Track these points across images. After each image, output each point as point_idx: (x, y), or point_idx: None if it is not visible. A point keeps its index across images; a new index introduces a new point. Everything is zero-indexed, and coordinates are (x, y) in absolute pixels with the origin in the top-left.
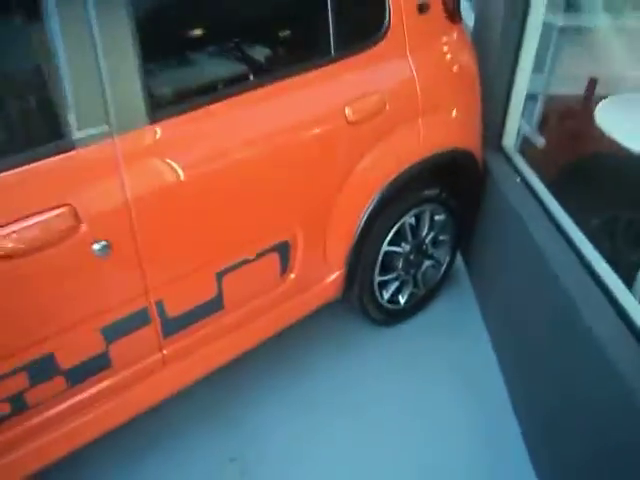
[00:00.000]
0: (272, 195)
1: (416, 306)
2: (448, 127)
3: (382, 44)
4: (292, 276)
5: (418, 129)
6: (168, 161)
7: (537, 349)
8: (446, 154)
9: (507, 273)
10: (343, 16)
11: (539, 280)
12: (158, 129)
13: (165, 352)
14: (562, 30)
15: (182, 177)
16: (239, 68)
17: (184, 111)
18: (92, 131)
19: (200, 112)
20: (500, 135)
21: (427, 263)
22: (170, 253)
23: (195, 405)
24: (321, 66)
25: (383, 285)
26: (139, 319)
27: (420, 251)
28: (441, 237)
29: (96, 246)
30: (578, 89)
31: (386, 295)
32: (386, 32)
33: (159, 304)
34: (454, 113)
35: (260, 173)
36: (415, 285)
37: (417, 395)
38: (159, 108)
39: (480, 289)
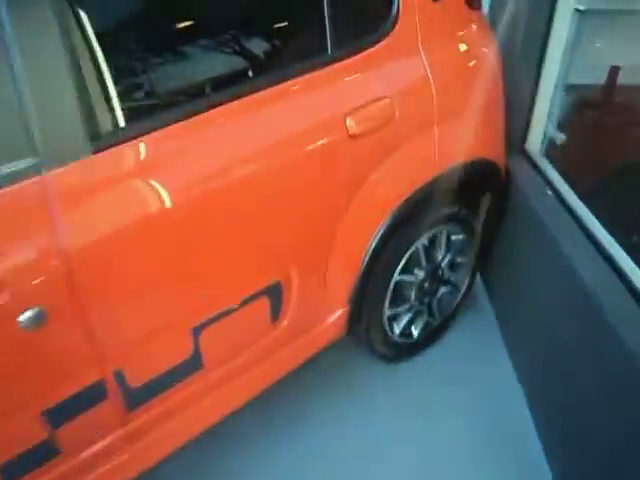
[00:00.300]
0: (260, 229)
1: (431, 337)
2: (469, 134)
3: (390, 39)
4: (285, 322)
5: (434, 139)
6: (120, 198)
7: (571, 382)
8: (467, 167)
9: (535, 298)
10: (342, 6)
11: (573, 305)
12: (104, 159)
13: (131, 426)
14: (584, 13)
15: (140, 216)
16: (207, 76)
17: (137, 135)
18: (12, 167)
19: (161, 134)
20: (524, 136)
21: (443, 289)
22: (129, 312)
23: (180, 471)
24: (315, 69)
25: (393, 318)
26: (92, 396)
27: (435, 277)
28: (459, 259)
29: (26, 314)
30: (600, 78)
31: (397, 329)
32: (394, 24)
33: (118, 374)
34: (475, 116)
35: (244, 204)
36: (430, 314)
37: (434, 440)
38: (104, 133)
39: (503, 315)
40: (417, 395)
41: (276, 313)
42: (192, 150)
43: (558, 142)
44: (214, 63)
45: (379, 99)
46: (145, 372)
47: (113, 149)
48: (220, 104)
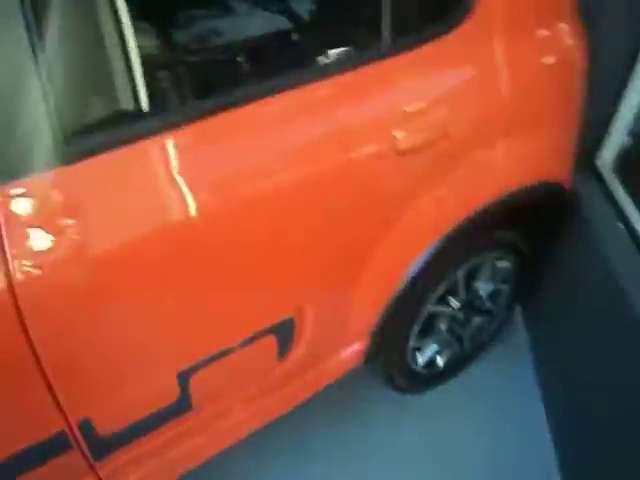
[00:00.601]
0: (276, 255)
1: (457, 367)
2: (538, 151)
3: (461, 30)
4: (294, 358)
5: (496, 156)
6: (96, 220)
7: (613, 433)
8: (530, 189)
9: (589, 350)
10: None
11: (631, 357)
12: (80, 171)
13: (100, 474)
14: None
15: (120, 238)
16: (223, 69)
17: (128, 140)
18: None
19: (158, 139)
20: (595, 148)
21: (478, 319)
22: (97, 357)
23: None
24: (361, 65)
25: (418, 348)
26: (49, 449)
27: (472, 307)
28: (501, 287)
29: None
30: None
31: (421, 360)
32: (470, 10)
33: (85, 423)
34: (548, 129)
35: (258, 224)
36: (460, 343)
37: None
38: (83, 137)
39: (540, 348)
40: (433, 432)
41: (284, 351)
42: (201, 160)
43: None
44: (241, 51)
45: (438, 105)
46: (118, 419)
47: (92, 158)
48: (257, 99)
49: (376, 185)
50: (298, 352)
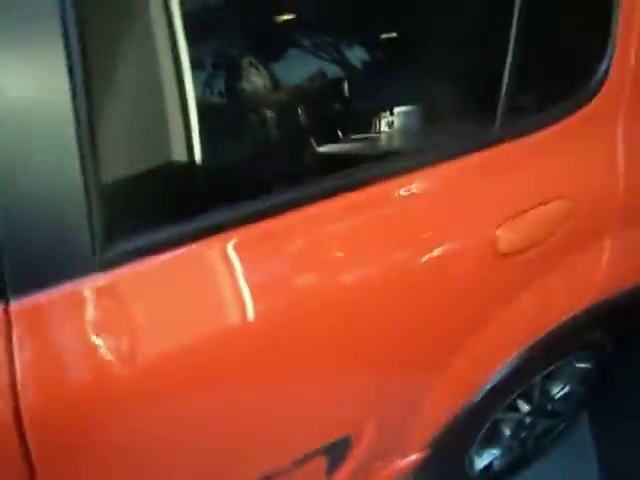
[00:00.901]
0: (343, 367)
1: (515, 468)
2: None
3: (586, 111)
4: (342, 472)
5: (602, 256)
6: (122, 338)
7: None
8: (635, 292)
9: None
10: (531, 61)
11: None
12: (115, 281)
13: None
14: None
15: (160, 360)
16: (303, 160)
17: (178, 241)
18: None
19: (209, 244)
20: None
21: (544, 422)
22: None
23: None
24: (468, 151)
25: (476, 453)
26: None
27: (541, 410)
28: (576, 388)
29: None
30: None
31: (479, 464)
32: (598, 91)
33: None
34: None
35: (327, 334)
36: (522, 446)
37: None
38: (122, 239)
39: (608, 456)
40: None
41: (333, 469)
42: (256, 262)
43: None
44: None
45: (550, 199)
46: None
47: (130, 265)
48: (335, 194)
49: (466, 288)
50: (348, 467)
